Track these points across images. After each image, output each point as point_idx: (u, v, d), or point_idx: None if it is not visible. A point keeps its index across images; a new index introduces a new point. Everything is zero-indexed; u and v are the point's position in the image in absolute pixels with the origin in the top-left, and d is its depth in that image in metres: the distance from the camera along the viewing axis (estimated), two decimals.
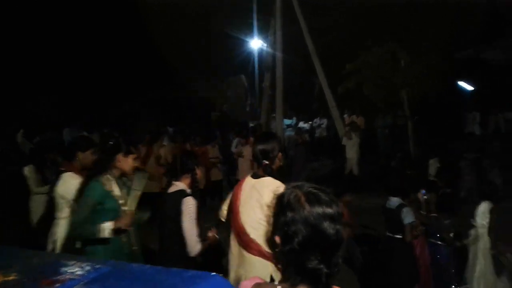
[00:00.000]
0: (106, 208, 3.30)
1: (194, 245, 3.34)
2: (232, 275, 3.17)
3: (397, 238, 4.20)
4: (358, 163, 12.52)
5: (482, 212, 4.74)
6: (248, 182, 3.17)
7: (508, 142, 10.96)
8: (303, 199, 1.44)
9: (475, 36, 13.68)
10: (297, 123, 19.48)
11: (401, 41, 12.09)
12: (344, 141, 12.78)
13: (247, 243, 3.03)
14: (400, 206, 4.20)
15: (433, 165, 8.39)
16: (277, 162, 3.20)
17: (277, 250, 1.49)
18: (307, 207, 1.41)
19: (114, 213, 3.31)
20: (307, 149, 13.15)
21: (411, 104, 13.07)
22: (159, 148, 8.95)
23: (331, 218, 1.41)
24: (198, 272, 1.51)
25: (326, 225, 1.39)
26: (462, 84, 15.60)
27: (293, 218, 1.42)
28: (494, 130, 13.11)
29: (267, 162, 3.12)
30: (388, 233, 4.37)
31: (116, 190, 3.36)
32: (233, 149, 11.33)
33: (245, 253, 3.05)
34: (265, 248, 2.99)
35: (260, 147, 3.15)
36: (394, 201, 4.34)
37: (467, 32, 13.53)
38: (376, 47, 12.10)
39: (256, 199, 3.03)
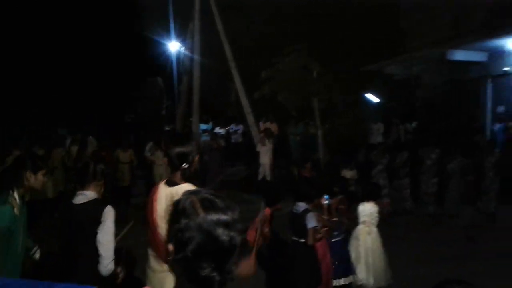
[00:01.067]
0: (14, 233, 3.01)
1: (107, 264, 3.02)
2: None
3: (301, 242, 4.36)
4: (271, 168, 12.84)
5: (370, 211, 5.20)
6: (163, 191, 2.99)
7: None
8: (198, 205, 1.41)
9: (380, 51, 14.67)
10: (213, 128, 19.51)
11: (313, 52, 12.61)
12: (259, 147, 13.04)
13: (165, 255, 2.89)
14: (305, 211, 4.36)
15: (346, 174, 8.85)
16: (194, 166, 3.08)
17: (170, 259, 1.45)
18: (201, 213, 1.39)
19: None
20: (222, 154, 13.19)
21: (322, 113, 13.66)
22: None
23: (226, 224, 1.39)
24: (75, 286, 1.44)
25: (220, 232, 1.37)
26: (369, 96, 16.61)
27: (187, 225, 1.39)
28: (395, 140, 14.10)
29: (186, 166, 2.99)
30: (293, 238, 4.51)
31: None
32: (146, 154, 11.06)
33: (163, 265, 2.91)
34: None
35: (177, 150, 3.01)
36: (300, 206, 4.49)
37: (373, 47, 14.50)
38: (290, 57, 12.50)
39: None
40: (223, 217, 1.41)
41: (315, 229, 4.29)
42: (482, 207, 9.35)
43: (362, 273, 5.08)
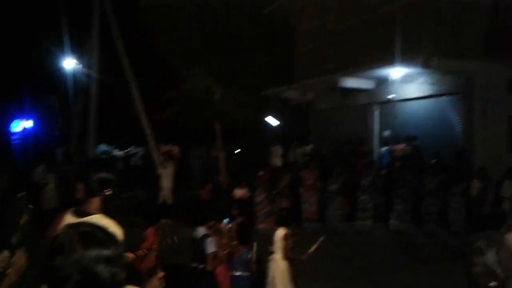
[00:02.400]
0: None
1: None
2: None
3: (201, 268, 4.29)
4: (173, 192, 12.60)
5: (280, 237, 5.23)
6: (69, 222, 2.67)
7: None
8: (76, 240, 1.31)
9: (278, 77, 15.34)
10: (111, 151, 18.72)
11: (215, 74, 12.77)
12: (160, 170, 12.76)
13: None
14: (204, 237, 4.32)
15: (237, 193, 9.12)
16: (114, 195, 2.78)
17: None
18: (79, 249, 1.29)
19: None
20: (120, 178, 12.65)
21: (224, 136, 13.79)
22: None
23: (107, 260, 1.30)
24: None
25: (101, 268, 1.28)
26: (269, 119, 17.15)
27: (63, 262, 1.27)
28: (292, 162, 14.65)
29: (109, 192, 2.72)
30: (193, 264, 4.44)
31: None
32: (40, 176, 10.29)
33: None
34: None
35: (101, 175, 2.68)
36: (200, 231, 4.44)
37: (272, 73, 15.13)
38: (192, 78, 12.51)
39: None
40: (105, 252, 1.32)
41: (214, 254, 4.25)
42: (359, 225, 10.17)
43: None
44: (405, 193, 10.22)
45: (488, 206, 9.50)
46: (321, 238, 5.19)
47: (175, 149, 15.58)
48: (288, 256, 5.10)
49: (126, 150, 18.90)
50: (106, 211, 2.73)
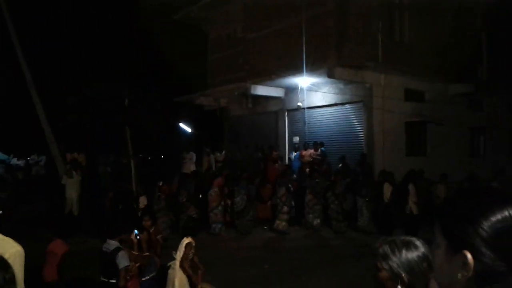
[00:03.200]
0: None
1: None
2: None
3: (112, 283, 4.13)
4: (79, 202, 11.98)
5: (182, 246, 5.30)
6: None
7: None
8: None
9: (190, 84, 15.27)
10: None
11: (124, 80, 12.37)
12: (64, 179, 12.06)
13: None
14: (116, 250, 4.16)
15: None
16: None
17: None
18: None
19: None
20: (18, 189, 11.77)
21: (135, 142, 13.38)
22: None
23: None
24: None
25: None
26: (182, 126, 16.97)
27: None
28: (206, 169, 14.63)
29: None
30: (102, 278, 4.25)
31: None
32: None
33: None
34: None
35: None
36: (112, 244, 4.26)
37: (184, 80, 15.03)
38: (97, 83, 11.98)
39: None
40: None
41: (127, 268, 4.12)
42: (276, 227, 10.49)
43: None
44: (317, 195, 10.68)
45: (396, 208, 10.16)
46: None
47: (81, 157, 14.82)
48: (183, 265, 5.15)
49: (27, 159, 17.56)
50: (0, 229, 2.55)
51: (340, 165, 12.34)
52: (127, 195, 10.46)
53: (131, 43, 14.70)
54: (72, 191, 11.83)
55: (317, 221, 10.62)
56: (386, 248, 1.85)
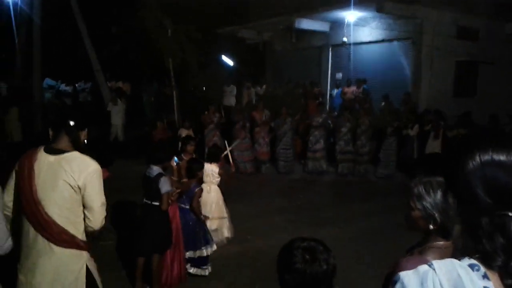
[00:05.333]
0: None
1: None
2: (24, 280, 2.67)
3: (154, 205, 4.37)
4: (124, 129, 12.44)
5: (215, 171, 5.76)
6: (44, 159, 2.62)
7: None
8: None
9: (232, 16, 14.93)
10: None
11: (167, 9, 12.24)
12: (110, 106, 12.46)
13: (58, 235, 2.60)
14: (159, 175, 4.35)
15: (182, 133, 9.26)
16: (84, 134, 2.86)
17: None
18: None
19: None
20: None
21: (177, 73, 13.51)
22: None
23: None
24: None
25: None
26: (224, 58, 16.86)
27: None
28: (247, 102, 14.68)
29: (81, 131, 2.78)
30: (145, 200, 4.50)
31: None
32: None
33: (54, 247, 2.61)
34: (79, 236, 2.67)
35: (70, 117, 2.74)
36: (154, 169, 4.45)
37: (226, 11, 14.69)
38: (142, 12, 11.92)
39: (63, 179, 2.57)
40: None
41: (168, 193, 4.33)
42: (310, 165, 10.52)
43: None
44: (345, 135, 10.44)
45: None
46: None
47: (125, 86, 15.19)
48: (221, 188, 5.82)
49: (74, 85, 18.17)
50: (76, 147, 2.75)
51: (383, 103, 12.04)
52: (172, 125, 10.75)
53: None
54: (117, 118, 12.25)
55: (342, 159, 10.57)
56: (421, 189, 1.87)
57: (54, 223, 2.59)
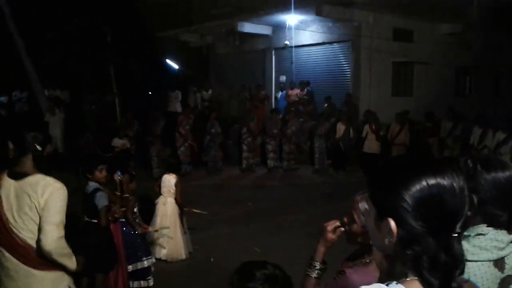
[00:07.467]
0: None
1: None
2: None
3: (93, 222, 4.22)
4: (63, 140, 11.98)
5: (172, 183, 5.60)
6: (8, 186, 2.54)
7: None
8: None
9: (174, 19, 14.73)
10: None
11: (106, 16, 11.92)
12: (47, 117, 11.96)
13: (36, 260, 2.56)
14: (95, 191, 4.21)
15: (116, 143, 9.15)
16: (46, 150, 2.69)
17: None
18: None
19: None
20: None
21: (119, 80, 13.18)
22: None
23: None
24: None
25: None
26: (168, 63, 16.61)
27: None
28: (193, 107, 14.52)
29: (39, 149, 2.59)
30: (86, 218, 4.35)
31: None
32: None
33: (35, 272, 2.57)
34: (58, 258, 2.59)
35: (33, 133, 2.58)
36: (91, 185, 4.31)
37: (167, 14, 14.46)
38: (78, 19, 11.51)
39: (29, 205, 2.50)
40: None
41: (107, 208, 4.19)
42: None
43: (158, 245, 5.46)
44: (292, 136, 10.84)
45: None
46: (205, 212, 6.13)
47: (64, 95, 14.62)
48: (179, 200, 5.61)
49: (10, 95, 17.25)
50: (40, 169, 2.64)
51: (326, 105, 12.33)
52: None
53: None
54: (55, 128, 11.73)
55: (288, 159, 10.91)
56: (366, 205, 1.88)
57: (31, 247, 2.55)
